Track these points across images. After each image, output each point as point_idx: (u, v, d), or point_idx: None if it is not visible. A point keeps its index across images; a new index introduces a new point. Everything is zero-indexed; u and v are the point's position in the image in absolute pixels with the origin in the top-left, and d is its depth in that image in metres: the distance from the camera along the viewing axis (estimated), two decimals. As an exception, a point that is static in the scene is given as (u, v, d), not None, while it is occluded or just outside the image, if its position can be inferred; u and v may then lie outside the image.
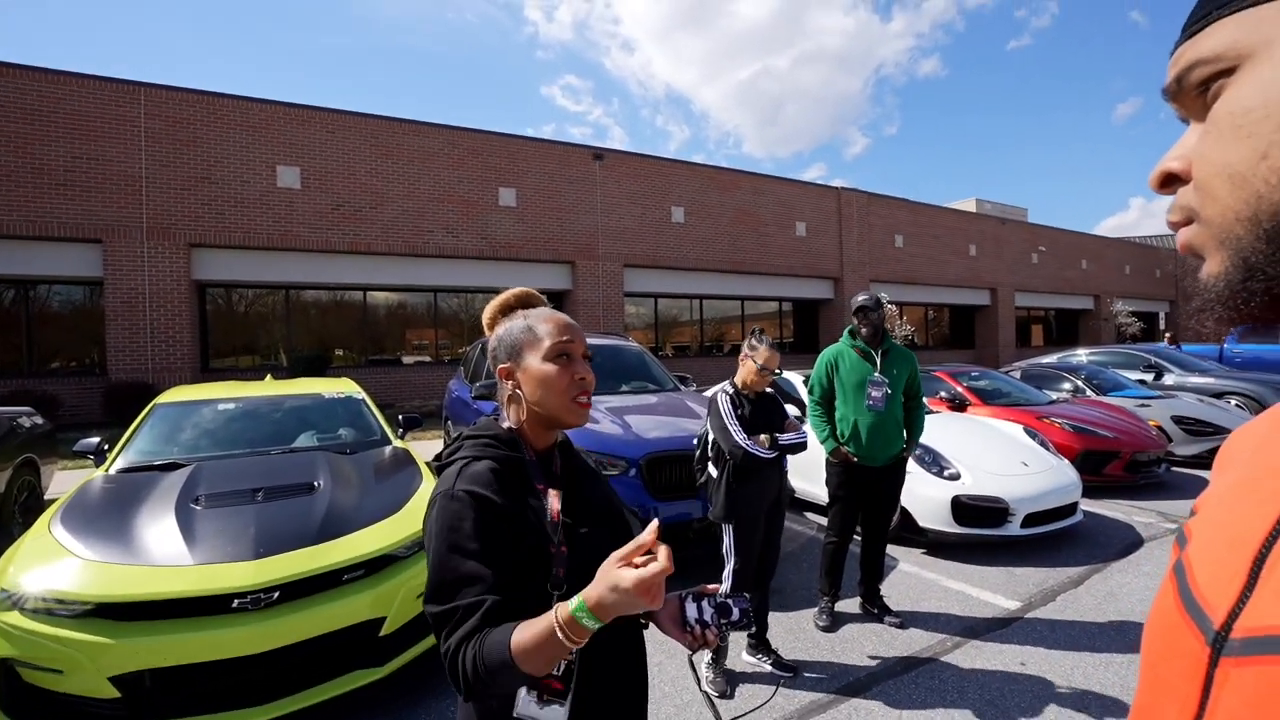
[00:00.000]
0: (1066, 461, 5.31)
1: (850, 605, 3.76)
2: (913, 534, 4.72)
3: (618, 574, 0.87)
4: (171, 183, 11.62)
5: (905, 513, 4.66)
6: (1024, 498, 4.58)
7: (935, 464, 4.75)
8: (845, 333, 3.75)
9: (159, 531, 2.71)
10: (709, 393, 3.26)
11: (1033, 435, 5.55)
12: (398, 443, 4.31)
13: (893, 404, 3.56)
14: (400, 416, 4.88)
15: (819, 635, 3.47)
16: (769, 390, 3.23)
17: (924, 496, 4.59)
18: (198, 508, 2.91)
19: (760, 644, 3.15)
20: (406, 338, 15.20)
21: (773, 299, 19.99)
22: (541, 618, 0.90)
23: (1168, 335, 15.09)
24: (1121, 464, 6.18)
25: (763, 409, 3.11)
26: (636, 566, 0.87)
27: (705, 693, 1.16)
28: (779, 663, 3.09)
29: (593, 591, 0.88)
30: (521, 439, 1.15)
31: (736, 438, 2.98)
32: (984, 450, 5.03)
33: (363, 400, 4.75)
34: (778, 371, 3.10)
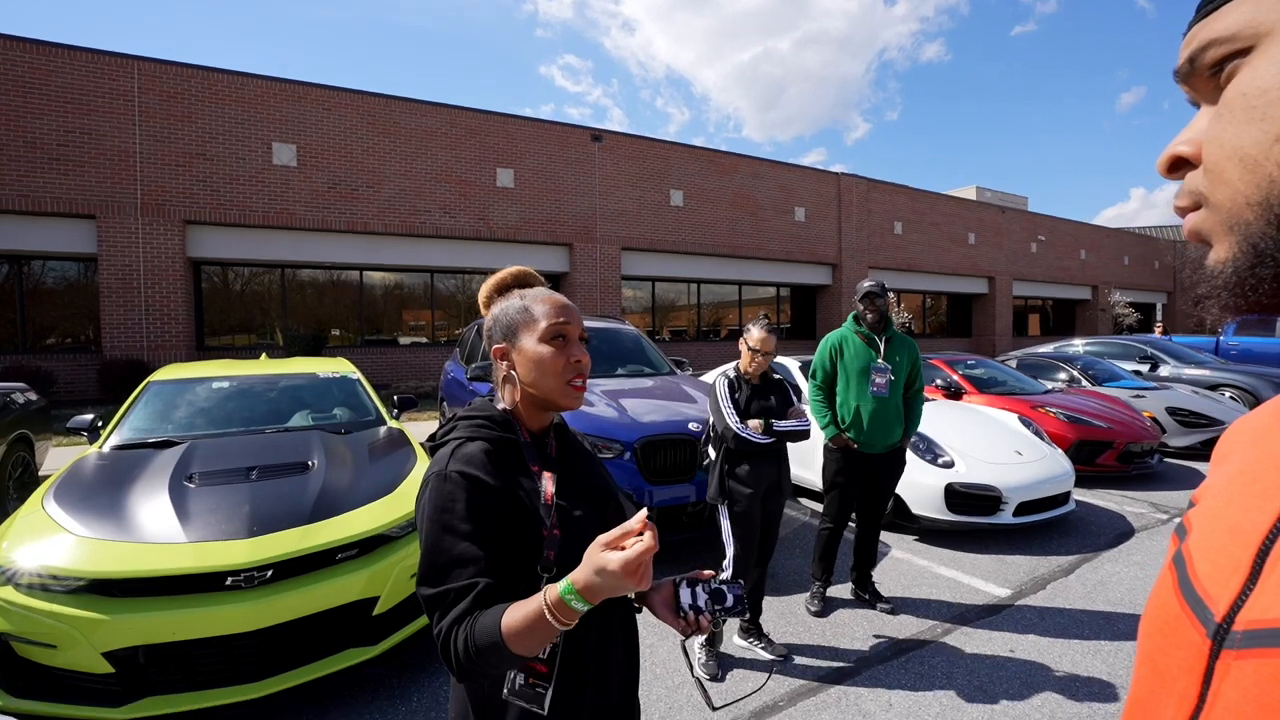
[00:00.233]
0: (1060, 451, 5.34)
1: (842, 590, 3.79)
2: (905, 520, 4.75)
3: (603, 557, 0.87)
4: (166, 159, 11.49)
5: (898, 499, 4.69)
6: (1017, 486, 4.60)
7: (929, 451, 4.77)
8: (850, 318, 3.73)
9: (153, 509, 2.70)
10: (708, 377, 3.26)
11: (1027, 424, 5.57)
12: (392, 423, 4.30)
13: (894, 391, 3.56)
14: (395, 397, 4.87)
15: (810, 620, 3.50)
16: (777, 377, 3.22)
17: (917, 483, 4.61)
18: (192, 486, 2.91)
19: (753, 628, 3.18)
20: (403, 318, 15.15)
21: (771, 284, 19.95)
22: (531, 599, 0.90)
23: (1159, 326, 15.15)
24: (1115, 454, 6.21)
25: (763, 394, 3.11)
26: (623, 550, 0.87)
27: (697, 678, 1.17)
28: (771, 647, 3.12)
29: (580, 574, 0.88)
30: (516, 420, 1.14)
31: (728, 420, 3.00)
32: (978, 438, 5.05)
33: (358, 380, 4.74)
34: (772, 353, 3.09)
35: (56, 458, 6.55)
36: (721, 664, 3.00)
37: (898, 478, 3.73)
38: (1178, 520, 0.52)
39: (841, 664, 3.04)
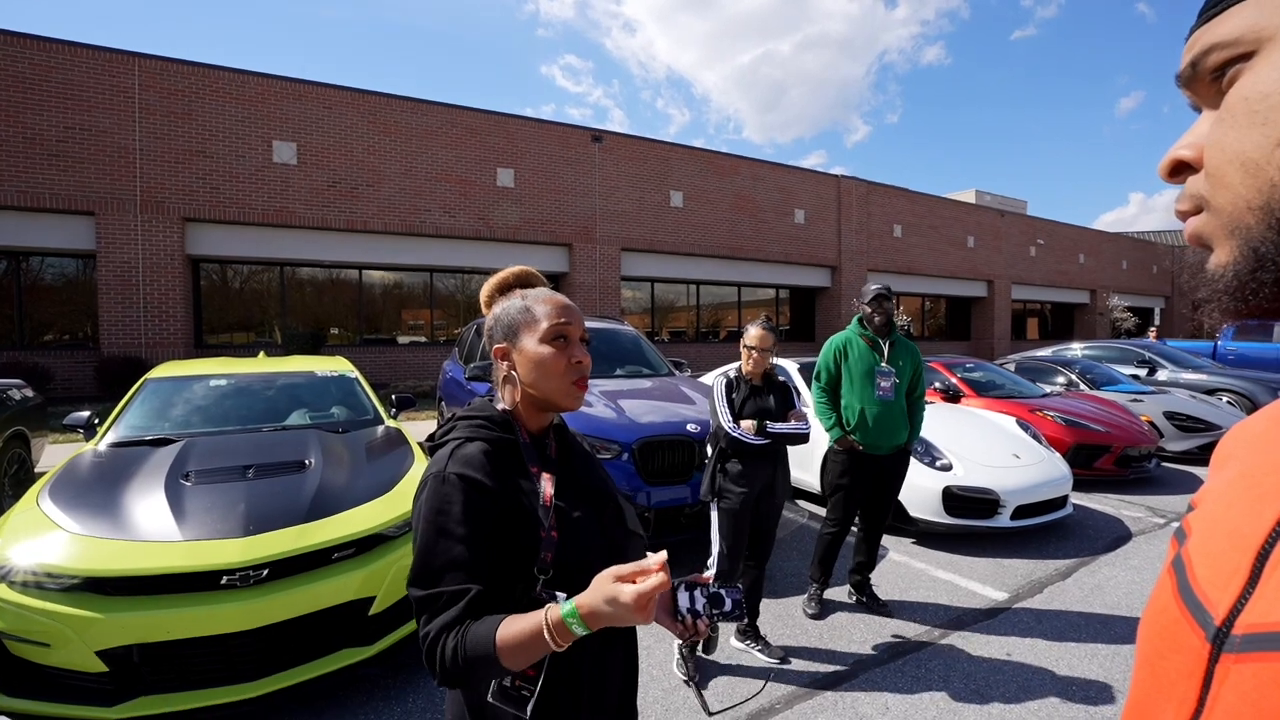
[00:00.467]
0: (1058, 454, 5.34)
1: (839, 593, 3.79)
2: (903, 523, 4.75)
3: (616, 588, 0.87)
4: (166, 156, 11.48)
5: (896, 502, 4.69)
6: (1015, 490, 4.61)
7: (927, 454, 4.77)
8: (855, 320, 3.71)
9: (148, 507, 2.70)
10: (706, 378, 3.26)
11: (1025, 428, 5.57)
12: (390, 422, 4.30)
13: (899, 395, 3.56)
14: (394, 396, 4.87)
15: (807, 623, 3.49)
16: (780, 379, 3.22)
17: (915, 486, 4.61)
18: (188, 484, 2.90)
19: (750, 631, 3.17)
20: (402, 317, 15.14)
21: (770, 286, 19.96)
22: (529, 615, 0.90)
23: (1153, 331, 15.19)
24: (1112, 458, 6.22)
25: (763, 396, 3.10)
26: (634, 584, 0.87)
27: (694, 683, 1.16)
28: (768, 650, 3.11)
29: (587, 600, 0.88)
30: (516, 421, 1.13)
31: (721, 419, 3.00)
32: (976, 441, 5.05)
33: (356, 379, 4.73)
34: (769, 350, 3.09)
35: (53, 455, 6.54)
36: (701, 668, 2.99)
37: (902, 479, 3.71)
38: (1176, 524, 0.52)
39: (838, 667, 3.03)
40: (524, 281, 1.21)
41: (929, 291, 23.49)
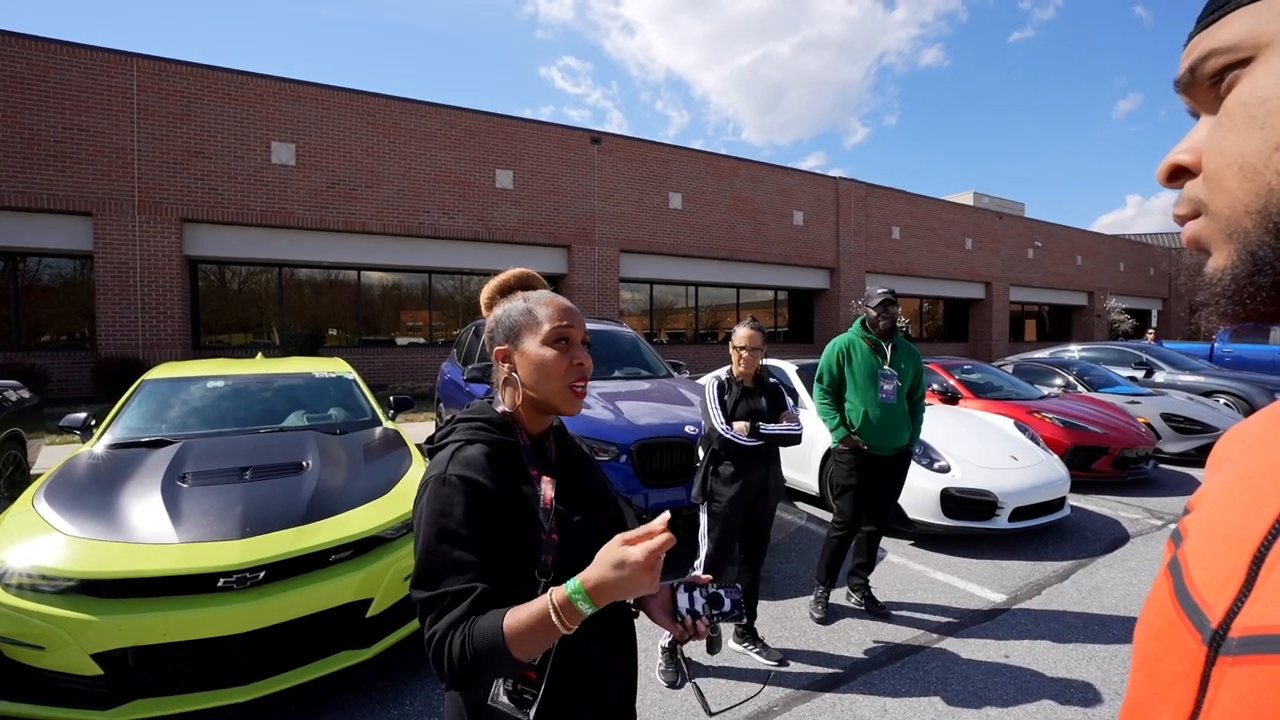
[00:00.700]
0: (1056, 456, 5.35)
1: (837, 595, 3.78)
2: (901, 525, 4.75)
3: (623, 550, 0.88)
4: (164, 156, 11.47)
5: (896, 504, 4.69)
6: (1012, 491, 4.61)
7: (925, 456, 4.77)
8: (858, 323, 3.71)
9: (144, 509, 2.69)
10: (705, 379, 3.27)
11: (1023, 430, 5.57)
12: (388, 424, 4.29)
13: (901, 397, 3.57)
14: (392, 398, 4.86)
15: (806, 624, 3.49)
16: (772, 380, 3.22)
17: (913, 488, 4.61)
18: (184, 485, 2.89)
19: (748, 633, 3.17)
20: (400, 319, 15.13)
21: (768, 287, 19.98)
22: (534, 601, 0.90)
23: (1151, 333, 15.24)
24: (1110, 460, 6.22)
25: (754, 397, 3.10)
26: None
27: (694, 682, 1.16)
28: (766, 652, 3.11)
29: (593, 572, 0.89)
30: (516, 423, 1.13)
31: (714, 421, 3.00)
32: (974, 443, 5.06)
33: (354, 380, 4.72)
34: (759, 349, 3.09)
35: (49, 456, 6.52)
36: (692, 669, 2.98)
37: (903, 481, 3.72)
38: (1173, 526, 0.52)
39: (837, 669, 3.03)
40: (525, 284, 1.21)
41: (927, 293, 23.52)
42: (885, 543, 4.69)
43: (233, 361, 4.97)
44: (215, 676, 2.40)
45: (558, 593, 0.88)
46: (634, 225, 16.28)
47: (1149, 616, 0.48)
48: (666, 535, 0.89)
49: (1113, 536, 4.93)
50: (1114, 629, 3.40)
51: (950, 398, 6.63)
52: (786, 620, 3.53)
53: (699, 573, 2.89)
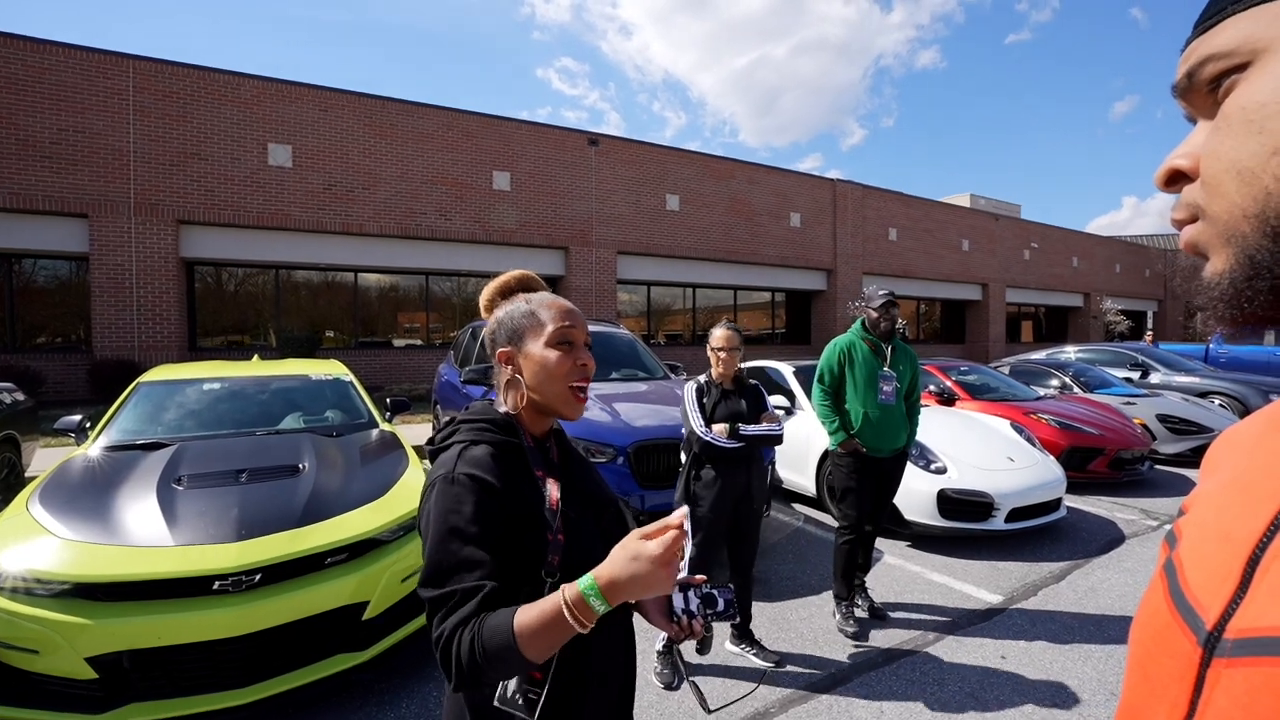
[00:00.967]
0: (1052, 457, 5.36)
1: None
2: (898, 526, 4.75)
3: (640, 544, 0.88)
4: (160, 158, 11.43)
5: (891, 505, 4.70)
6: (1009, 493, 4.62)
7: (922, 457, 4.77)
8: (858, 324, 3.70)
9: (140, 511, 2.68)
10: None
11: (1019, 431, 5.59)
12: (385, 426, 4.28)
13: (899, 398, 3.57)
14: (389, 400, 4.85)
15: (803, 626, 3.49)
16: (752, 382, 3.21)
17: (910, 489, 4.61)
18: (180, 488, 2.88)
19: (744, 635, 3.17)
20: (398, 320, 15.10)
21: (765, 289, 19.99)
22: (546, 599, 0.89)
23: (1149, 335, 15.31)
24: (1106, 461, 6.24)
25: (734, 399, 3.09)
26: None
27: (692, 682, 1.17)
28: (763, 653, 3.11)
29: (606, 570, 0.89)
30: (518, 425, 1.13)
31: (694, 424, 2.99)
32: (971, 445, 5.07)
33: (350, 382, 4.71)
34: (737, 349, 3.07)
35: (43, 459, 6.49)
36: (679, 671, 2.97)
37: (899, 482, 3.72)
38: (1168, 528, 0.53)
39: (833, 671, 3.03)
40: (525, 285, 1.21)
41: (924, 295, 23.57)
42: (882, 544, 4.70)
43: (229, 364, 4.95)
44: (211, 680, 2.39)
45: (570, 590, 0.88)
46: (631, 227, 16.29)
47: (1144, 618, 0.48)
48: (681, 533, 0.90)
49: (1108, 537, 4.94)
50: (1110, 630, 3.41)
51: (947, 399, 6.65)
52: (783, 622, 3.53)
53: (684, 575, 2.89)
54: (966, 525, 4.58)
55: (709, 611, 1.06)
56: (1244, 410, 8.62)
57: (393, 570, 2.78)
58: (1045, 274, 26.90)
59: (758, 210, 18.61)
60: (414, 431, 8.18)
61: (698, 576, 1.11)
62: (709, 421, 3.01)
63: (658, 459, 4.14)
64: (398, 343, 14.83)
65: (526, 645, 0.86)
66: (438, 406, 7.80)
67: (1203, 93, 0.44)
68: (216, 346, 12.98)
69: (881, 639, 3.34)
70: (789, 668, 3.05)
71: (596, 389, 4.95)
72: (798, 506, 5.78)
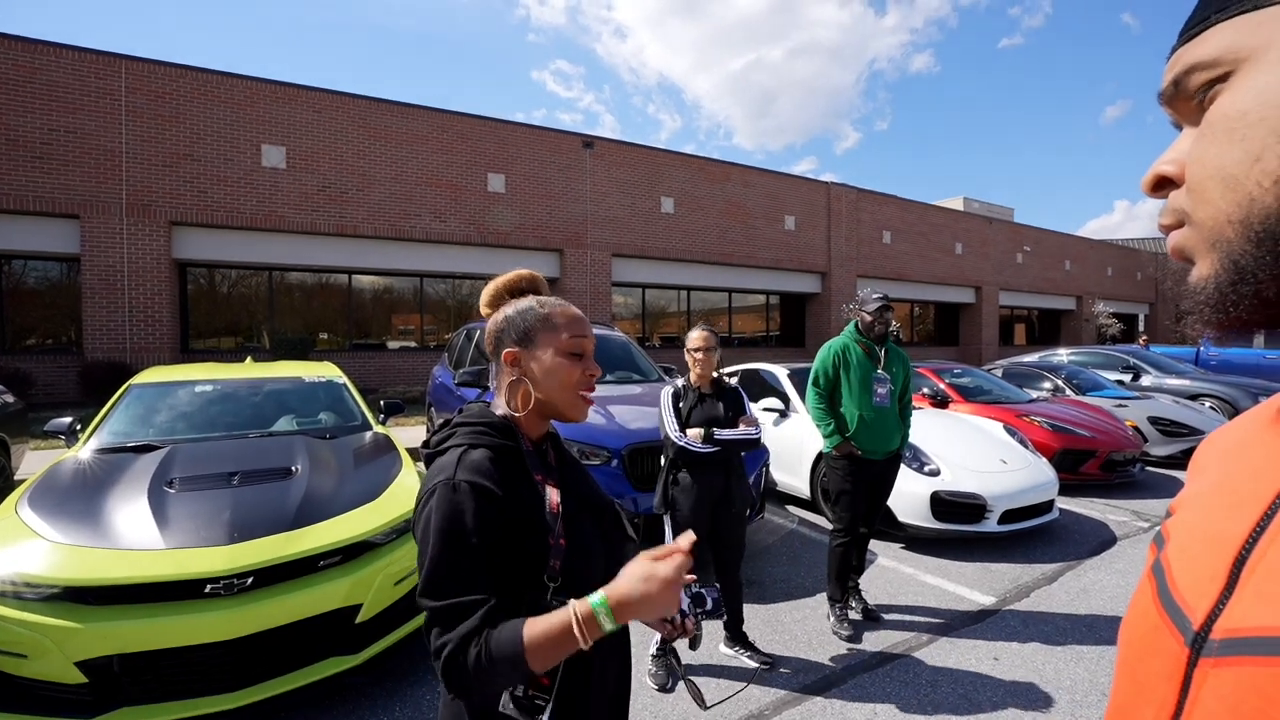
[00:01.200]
0: (1044, 459, 5.39)
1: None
2: (891, 528, 4.76)
3: (651, 565, 0.89)
4: (152, 159, 11.37)
5: (885, 507, 4.71)
6: (1002, 495, 4.64)
7: (915, 460, 4.79)
8: (851, 326, 3.70)
9: (131, 514, 2.66)
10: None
11: (1012, 433, 5.61)
12: (379, 428, 4.27)
13: (893, 401, 3.59)
14: (382, 402, 4.83)
15: (796, 629, 3.49)
16: (730, 384, 3.21)
17: (903, 491, 4.62)
18: (171, 491, 2.86)
19: (737, 637, 3.16)
20: (392, 322, 15.05)
21: (760, 292, 20.02)
22: (555, 614, 0.89)
23: (1143, 338, 15.42)
24: (1098, 463, 6.27)
25: (711, 403, 3.08)
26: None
27: (688, 680, 1.17)
28: (756, 655, 3.11)
29: (618, 587, 0.89)
30: (517, 428, 1.12)
31: (668, 429, 2.99)
32: (964, 447, 5.09)
33: (344, 385, 4.70)
34: (713, 349, 3.07)
35: (33, 462, 6.44)
36: (674, 671, 2.97)
37: (893, 484, 3.73)
38: (1157, 529, 0.53)
39: (827, 673, 3.03)
40: (535, 286, 1.21)
41: (918, 297, 23.66)
42: (876, 546, 4.71)
43: (222, 366, 4.92)
44: (202, 683, 2.37)
45: (581, 606, 0.88)
46: (626, 229, 16.30)
47: (1133, 619, 0.49)
48: (685, 559, 0.92)
49: (1100, 539, 4.96)
50: (1101, 630, 3.43)
51: (940, 401, 6.67)
52: (777, 624, 3.53)
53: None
54: (960, 527, 4.60)
55: (699, 610, 1.07)
56: (1234, 412, 8.69)
57: (386, 573, 2.77)
58: (1038, 277, 27.05)
59: (752, 213, 18.64)
60: (407, 434, 8.16)
61: (687, 576, 1.11)
62: (685, 425, 3.01)
63: (651, 461, 4.13)
64: (392, 345, 14.79)
65: (534, 658, 0.87)
66: (432, 409, 7.78)
67: (1188, 100, 0.45)
68: (209, 349, 12.91)
69: (875, 641, 3.35)
70: (783, 670, 3.05)
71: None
72: (792, 509, 5.79)
